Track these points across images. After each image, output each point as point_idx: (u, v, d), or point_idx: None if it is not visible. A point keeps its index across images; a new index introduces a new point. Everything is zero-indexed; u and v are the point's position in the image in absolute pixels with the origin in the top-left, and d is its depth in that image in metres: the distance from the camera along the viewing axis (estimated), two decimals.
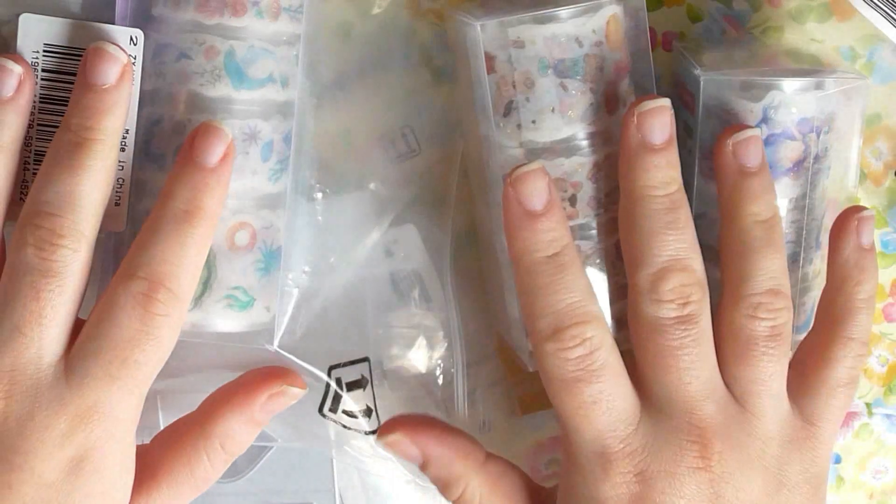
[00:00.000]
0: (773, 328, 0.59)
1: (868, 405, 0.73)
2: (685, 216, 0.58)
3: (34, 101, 0.58)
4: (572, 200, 0.60)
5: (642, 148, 0.58)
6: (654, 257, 0.58)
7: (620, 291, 0.61)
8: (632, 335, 0.59)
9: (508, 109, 0.59)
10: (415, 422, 0.63)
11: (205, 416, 0.61)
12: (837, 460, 0.73)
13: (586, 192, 0.60)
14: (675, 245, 0.58)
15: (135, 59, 0.58)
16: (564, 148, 0.59)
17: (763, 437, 0.59)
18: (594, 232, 0.61)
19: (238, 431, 0.61)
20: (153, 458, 0.60)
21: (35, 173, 0.57)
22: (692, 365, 0.58)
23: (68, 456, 0.55)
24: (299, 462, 0.68)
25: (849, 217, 0.62)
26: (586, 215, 0.60)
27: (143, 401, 0.57)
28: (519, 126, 0.59)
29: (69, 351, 0.56)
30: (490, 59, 0.59)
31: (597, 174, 0.60)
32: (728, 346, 0.59)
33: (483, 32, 0.59)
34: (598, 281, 0.61)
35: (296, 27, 0.59)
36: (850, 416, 0.73)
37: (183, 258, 0.56)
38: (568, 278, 0.57)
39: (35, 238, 0.54)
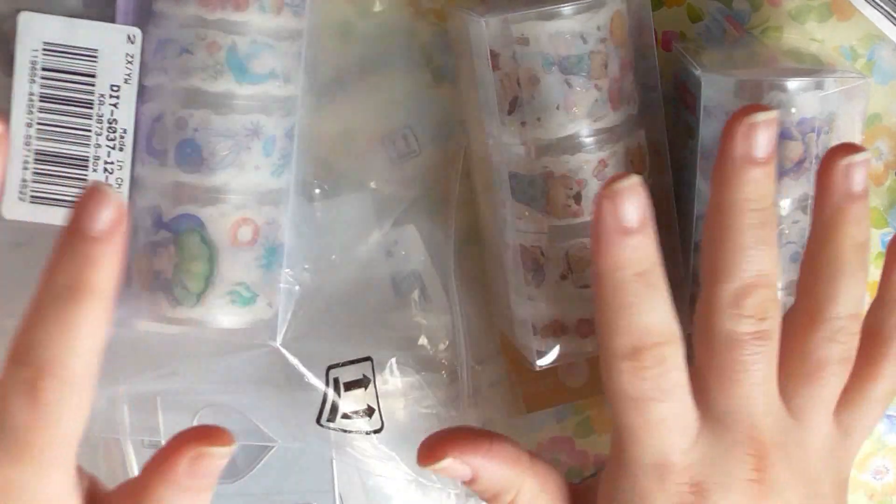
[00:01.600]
0: (846, 352, 0.59)
1: None
2: (774, 233, 0.57)
3: (33, 101, 0.58)
4: (577, 198, 0.60)
5: (747, 160, 0.57)
6: (742, 272, 0.57)
7: None
8: (699, 348, 0.58)
9: (513, 107, 0.59)
10: (460, 440, 0.60)
11: (137, 489, 0.57)
12: None
13: (591, 189, 0.60)
14: (763, 262, 0.57)
15: (132, 57, 0.58)
16: (569, 145, 0.59)
17: (810, 450, 0.59)
18: None
19: (174, 501, 0.56)
20: None
21: (35, 173, 0.58)
22: (761, 380, 0.57)
23: None
24: (299, 463, 0.68)
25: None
26: (591, 213, 0.60)
27: (71, 475, 0.53)
28: (524, 123, 0.59)
29: None
30: (494, 56, 0.59)
31: (602, 171, 0.60)
32: (795, 364, 0.59)
33: (487, 29, 0.59)
34: None
35: (298, 22, 0.59)
36: None
37: (71, 340, 0.51)
38: (656, 298, 0.56)
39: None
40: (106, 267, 0.51)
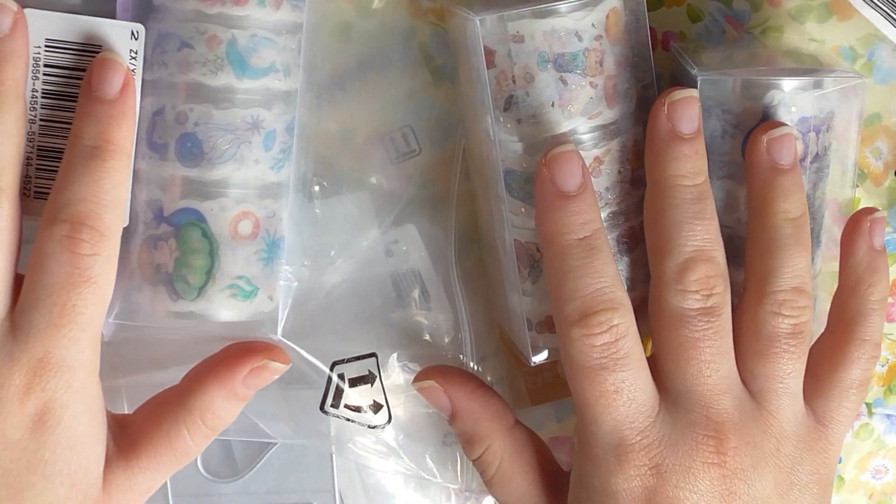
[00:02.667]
0: (796, 326, 0.59)
1: (868, 405, 0.73)
2: (711, 207, 0.59)
3: (36, 97, 0.58)
4: None
5: (672, 137, 0.58)
6: (680, 247, 0.58)
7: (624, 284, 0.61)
8: (652, 326, 0.59)
9: (508, 104, 0.59)
10: (450, 373, 0.63)
11: (186, 389, 0.60)
12: (838, 460, 0.73)
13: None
14: (702, 235, 0.58)
15: (136, 53, 0.58)
16: (565, 142, 0.59)
17: (778, 436, 0.59)
18: None
19: (219, 406, 0.60)
20: (134, 428, 0.59)
21: (38, 169, 0.58)
22: (713, 358, 0.58)
23: (29, 412, 0.54)
24: (299, 462, 0.68)
25: (861, 218, 0.62)
26: None
27: (96, 347, 0.56)
28: (519, 121, 0.59)
29: (13, 308, 0.55)
30: (490, 53, 0.59)
31: (597, 168, 0.60)
32: (748, 342, 0.59)
33: (482, 27, 0.59)
34: None
35: (297, 16, 0.59)
36: None
37: (100, 194, 0.55)
38: (598, 262, 0.57)
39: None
40: (125, 125, 0.56)
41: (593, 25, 0.59)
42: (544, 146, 0.59)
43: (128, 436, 0.59)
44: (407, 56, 0.66)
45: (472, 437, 0.62)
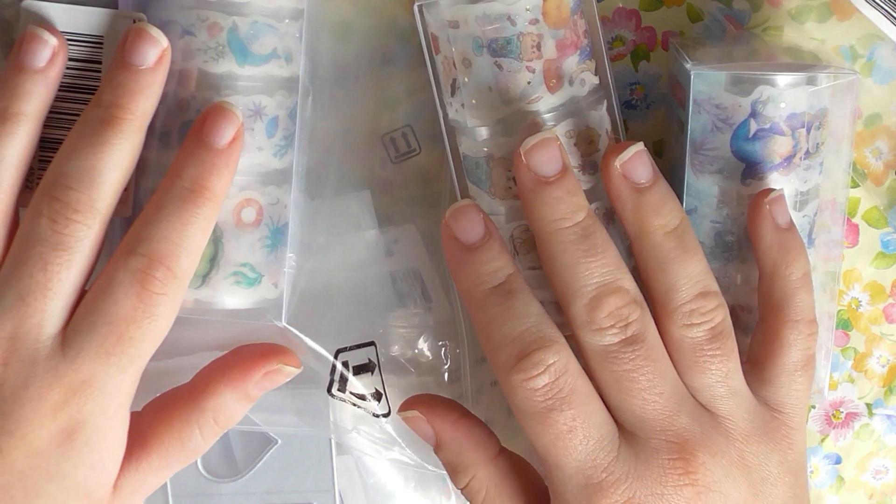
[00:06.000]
0: (712, 329, 0.58)
1: (869, 406, 0.73)
2: (602, 238, 0.58)
3: None
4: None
5: (537, 184, 0.58)
6: (581, 289, 0.57)
7: None
8: (585, 368, 0.58)
9: (453, 89, 0.60)
10: (434, 403, 0.62)
11: (198, 389, 0.60)
12: (838, 460, 0.73)
13: None
14: (599, 271, 0.57)
15: None
16: (505, 127, 0.59)
17: (740, 437, 0.58)
18: None
19: (231, 406, 0.60)
20: (144, 427, 0.60)
21: (41, 160, 0.58)
22: (652, 383, 0.57)
23: (59, 427, 0.55)
24: (299, 462, 0.68)
25: (759, 202, 0.61)
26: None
27: (138, 378, 0.57)
28: (463, 105, 0.60)
29: (68, 325, 0.56)
30: (434, 39, 0.60)
31: None
32: (677, 359, 0.59)
33: (426, 13, 0.59)
34: None
35: (299, 2, 0.59)
36: (851, 417, 0.73)
37: (185, 238, 0.56)
38: (518, 305, 0.57)
39: (50, 210, 0.55)
40: (225, 176, 0.57)
41: (528, 9, 0.58)
42: (487, 131, 0.59)
43: (138, 434, 0.59)
44: (407, 56, 0.66)
45: (457, 467, 0.61)
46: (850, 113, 0.63)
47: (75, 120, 0.57)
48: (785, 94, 0.60)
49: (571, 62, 0.60)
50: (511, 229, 0.61)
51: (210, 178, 0.56)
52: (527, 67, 0.58)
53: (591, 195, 0.60)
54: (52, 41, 0.57)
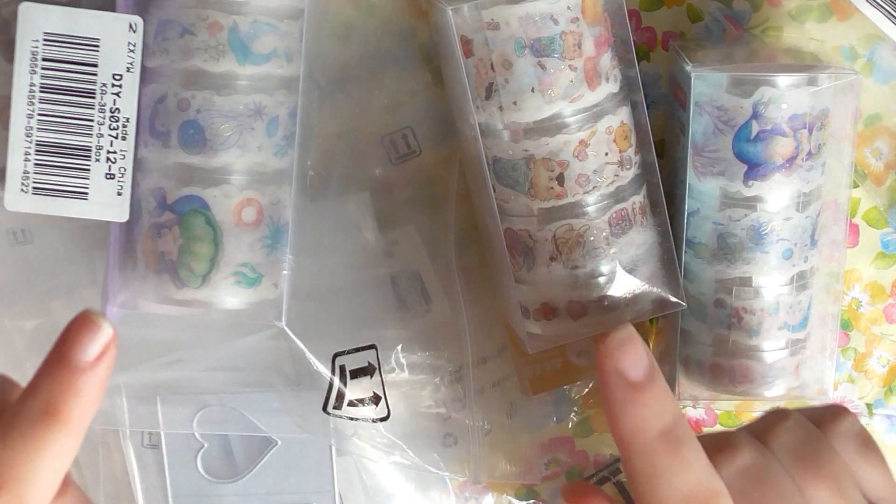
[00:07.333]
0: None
1: (869, 406, 0.73)
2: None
3: (34, 92, 0.57)
4: (560, 179, 0.60)
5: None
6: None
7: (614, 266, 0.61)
8: None
9: (489, 92, 0.59)
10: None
11: None
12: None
13: (573, 169, 0.60)
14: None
15: (134, 46, 0.58)
16: (548, 127, 0.59)
17: None
18: (585, 209, 0.60)
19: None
20: None
21: (37, 164, 0.57)
22: None
23: None
24: (299, 462, 0.68)
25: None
26: (575, 193, 0.60)
27: None
28: (500, 108, 0.59)
29: None
30: (466, 42, 0.59)
31: (583, 151, 0.60)
32: None
33: (457, 16, 0.59)
34: (593, 257, 0.61)
35: (299, 1, 0.59)
36: None
37: (36, 466, 0.49)
38: (688, 455, 0.52)
39: None
40: (85, 398, 0.50)
41: (569, 8, 0.58)
42: (528, 132, 0.59)
43: None
44: (407, 56, 0.66)
45: None
46: (851, 113, 0.63)
47: (69, 123, 0.56)
48: (786, 95, 0.60)
49: (606, 59, 0.60)
50: (553, 230, 0.61)
51: (68, 401, 0.50)
52: (569, 66, 0.59)
53: (629, 189, 0.61)
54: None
